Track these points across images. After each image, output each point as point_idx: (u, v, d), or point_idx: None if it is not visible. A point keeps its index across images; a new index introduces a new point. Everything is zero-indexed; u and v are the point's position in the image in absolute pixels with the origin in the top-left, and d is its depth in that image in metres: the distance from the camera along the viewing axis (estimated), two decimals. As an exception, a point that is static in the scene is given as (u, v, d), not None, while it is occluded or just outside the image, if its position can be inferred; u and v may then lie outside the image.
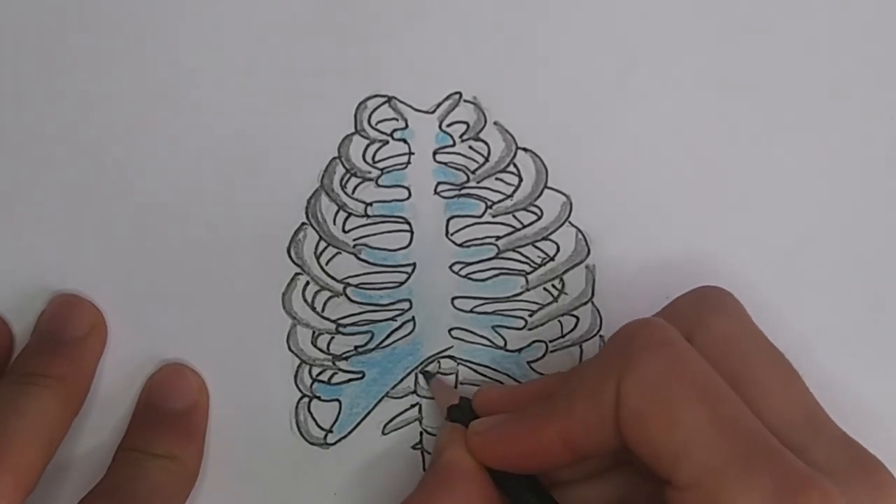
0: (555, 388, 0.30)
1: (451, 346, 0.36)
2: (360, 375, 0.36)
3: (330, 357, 0.36)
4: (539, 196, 0.36)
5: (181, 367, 0.35)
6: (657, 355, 0.28)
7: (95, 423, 0.35)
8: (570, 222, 0.36)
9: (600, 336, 0.36)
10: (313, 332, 0.36)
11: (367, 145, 0.36)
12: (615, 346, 0.29)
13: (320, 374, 0.36)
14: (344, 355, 0.36)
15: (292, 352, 0.36)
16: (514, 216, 0.36)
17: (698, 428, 0.26)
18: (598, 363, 0.29)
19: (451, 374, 0.36)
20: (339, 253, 0.36)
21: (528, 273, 0.36)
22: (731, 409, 0.27)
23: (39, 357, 0.33)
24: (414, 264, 0.36)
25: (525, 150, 0.36)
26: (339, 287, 0.36)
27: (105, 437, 0.35)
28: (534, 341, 0.36)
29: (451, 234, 0.36)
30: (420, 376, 0.35)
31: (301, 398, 0.35)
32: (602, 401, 0.28)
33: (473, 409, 0.33)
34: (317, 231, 0.36)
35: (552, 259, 0.36)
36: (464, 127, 0.36)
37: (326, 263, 0.36)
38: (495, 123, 0.36)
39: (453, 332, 0.36)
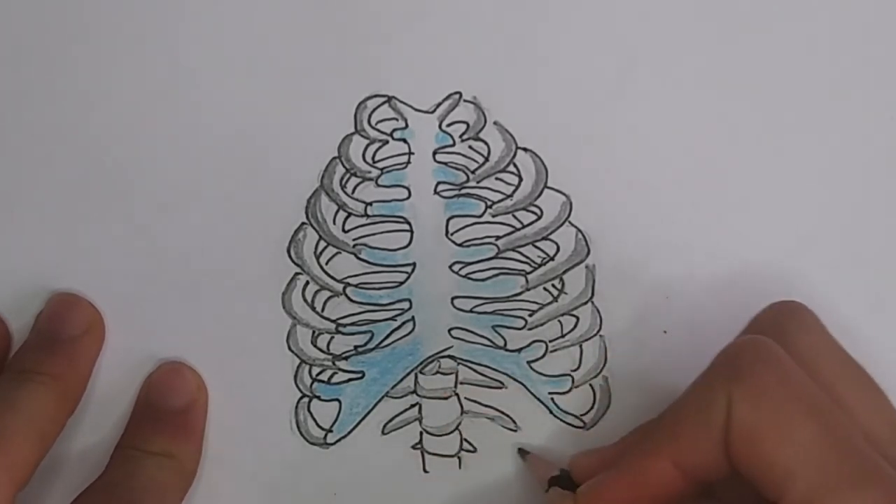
0: (647, 432, 0.30)
1: (451, 346, 0.36)
2: (359, 375, 0.36)
3: (330, 357, 0.36)
4: (539, 196, 0.36)
5: (180, 366, 0.35)
6: (767, 371, 0.28)
7: (95, 421, 0.35)
8: (569, 222, 0.36)
9: (600, 336, 0.36)
10: (313, 332, 0.36)
11: (367, 145, 0.36)
12: (724, 363, 0.29)
13: (320, 373, 0.36)
14: (344, 355, 0.36)
15: (292, 351, 0.35)
16: (514, 216, 0.36)
17: (811, 445, 0.26)
18: (706, 380, 0.29)
19: (450, 373, 0.36)
20: (339, 253, 0.36)
21: (528, 273, 0.36)
22: (841, 426, 0.27)
23: (36, 354, 0.33)
24: (414, 264, 0.36)
25: (525, 149, 0.36)
26: (339, 287, 0.36)
27: (104, 435, 0.35)
28: (534, 341, 0.36)
29: (451, 234, 0.36)
30: (518, 453, 0.35)
31: (301, 398, 0.35)
32: (712, 417, 0.28)
33: (571, 473, 0.33)
34: (317, 231, 0.36)
35: (552, 259, 0.36)
36: (464, 127, 0.36)
37: (326, 263, 0.36)
38: (495, 123, 0.36)
39: (453, 332, 0.36)
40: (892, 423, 0.29)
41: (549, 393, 0.36)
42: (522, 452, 0.35)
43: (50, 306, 0.35)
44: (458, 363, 0.36)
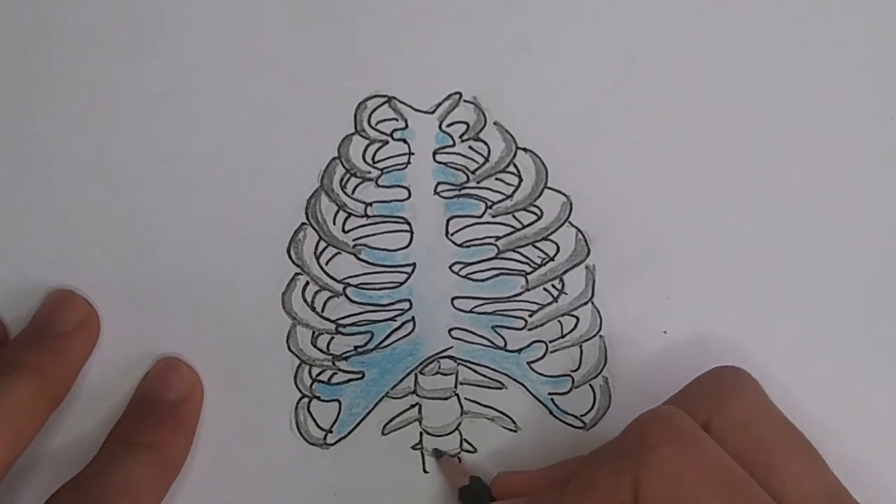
0: (571, 476, 0.30)
1: (451, 347, 0.36)
2: (359, 375, 0.36)
3: (330, 357, 0.36)
4: (539, 196, 0.36)
5: (176, 361, 0.35)
6: (674, 450, 0.28)
7: (92, 419, 0.35)
8: (569, 222, 0.36)
9: (600, 336, 0.36)
10: (313, 333, 0.36)
11: (367, 145, 0.36)
12: (630, 441, 0.29)
13: (320, 374, 0.36)
14: (344, 355, 0.36)
15: (292, 352, 0.35)
16: (514, 216, 0.36)
17: None
18: (613, 458, 0.29)
19: (450, 374, 0.36)
20: (339, 253, 0.36)
21: (528, 273, 0.36)
22: (751, 497, 0.27)
23: (22, 347, 0.33)
24: (414, 264, 0.36)
25: (525, 150, 0.36)
26: (339, 287, 0.36)
27: (102, 434, 0.35)
28: (534, 341, 0.36)
29: (451, 234, 0.36)
30: (433, 453, 0.35)
31: (301, 398, 0.35)
32: (621, 496, 0.28)
33: (490, 490, 0.33)
34: (317, 231, 0.36)
35: (552, 259, 0.36)
36: (464, 127, 0.36)
37: (326, 263, 0.36)
38: (495, 123, 0.36)
39: (453, 333, 0.36)
40: (828, 488, 0.29)
41: (549, 393, 0.36)
42: (437, 453, 0.35)
43: (45, 302, 0.35)
44: (458, 363, 0.36)
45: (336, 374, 0.36)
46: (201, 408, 0.35)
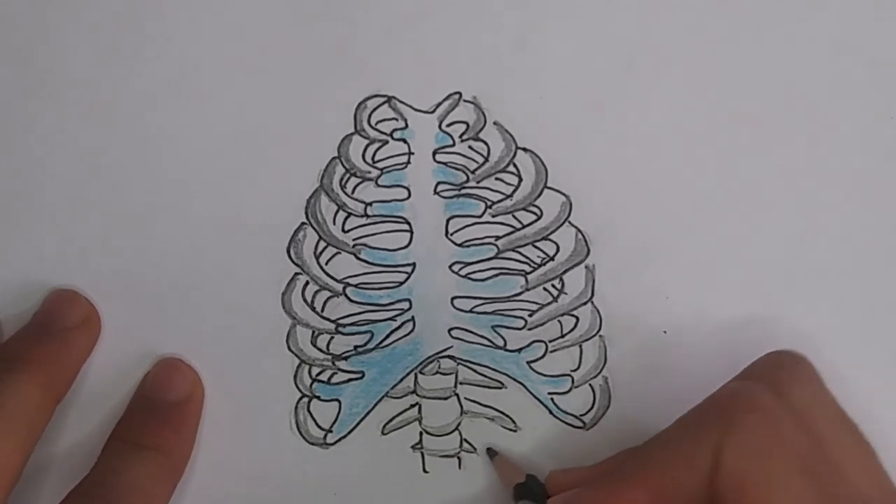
0: (629, 460, 0.30)
1: (451, 346, 0.36)
2: (359, 375, 0.36)
3: (329, 357, 0.36)
4: (539, 196, 0.36)
5: (177, 361, 0.35)
6: (760, 422, 0.27)
7: (93, 419, 0.35)
8: (569, 222, 0.36)
9: (600, 336, 0.36)
10: (313, 332, 0.36)
11: (367, 145, 0.36)
12: (711, 409, 0.29)
13: (320, 373, 0.36)
14: (343, 355, 0.36)
15: (292, 352, 0.35)
16: (514, 216, 0.36)
17: (800, 501, 0.26)
18: (696, 422, 0.29)
19: (450, 373, 0.36)
20: (339, 253, 0.36)
21: (528, 273, 0.36)
22: (831, 483, 0.27)
23: (23, 343, 0.33)
24: (413, 264, 0.36)
25: (525, 149, 0.36)
26: (339, 287, 0.36)
27: (104, 433, 0.35)
28: (533, 341, 0.36)
29: (451, 234, 0.36)
30: (486, 453, 0.35)
31: (301, 398, 0.35)
32: (699, 461, 0.27)
33: (546, 486, 0.33)
34: (316, 231, 0.36)
35: (552, 259, 0.36)
36: (463, 127, 0.36)
37: (326, 263, 0.36)
38: (495, 123, 0.36)
39: (453, 332, 0.36)
40: (880, 483, 0.29)
41: (549, 393, 0.36)
42: (491, 452, 0.35)
43: (46, 300, 0.35)
44: (458, 363, 0.36)
45: (336, 373, 0.36)
46: (202, 408, 0.35)
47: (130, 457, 0.33)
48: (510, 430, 0.36)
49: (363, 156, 0.36)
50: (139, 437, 0.33)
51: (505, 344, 0.36)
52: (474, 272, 0.36)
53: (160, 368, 0.35)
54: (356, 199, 0.36)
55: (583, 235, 0.36)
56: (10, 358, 0.32)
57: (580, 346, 0.36)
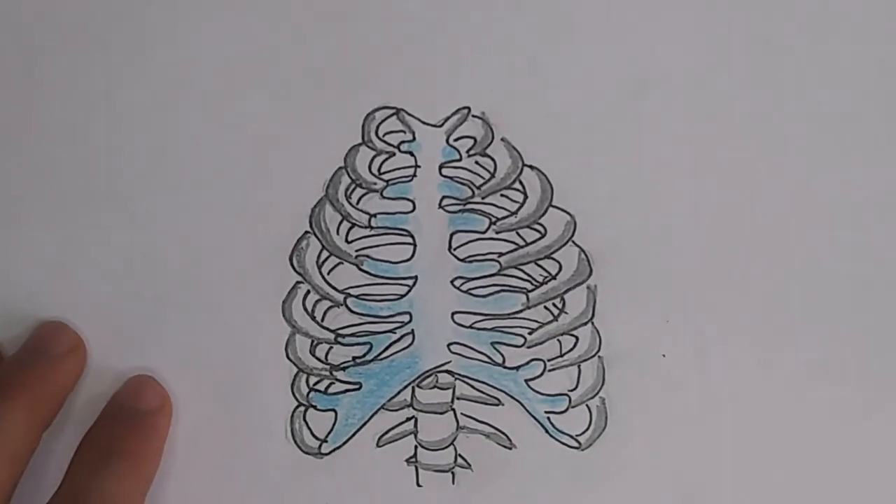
0: None
1: (450, 361, 0.36)
2: (357, 386, 0.36)
3: (328, 367, 0.36)
4: (543, 214, 0.36)
5: (147, 377, 0.35)
6: None
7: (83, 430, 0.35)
8: (573, 242, 0.36)
9: (599, 357, 0.36)
10: (312, 342, 0.36)
11: (374, 156, 0.36)
12: None
13: (317, 383, 0.36)
14: (342, 366, 0.36)
15: (290, 360, 0.35)
16: (518, 233, 0.36)
17: None
18: None
19: (448, 388, 0.36)
20: (341, 263, 0.36)
21: (529, 291, 0.36)
22: None
23: (11, 369, 0.33)
24: (415, 277, 0.36)
25: (531, 167, 0.36)
26: (340, 297, 0.36)
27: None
28: (532, 359, 0.36)
29: (454, 249, 0.36)
30: (417, 389, 0.35)
31: (297, 407, 0.35)
32: None
33: None
34: (320, 240, 0.36)
35: (554, 278, 0.36)
36: (471, 142, 0.36)
37: (328, 273, 0.36)
38: (502, 140, 0.36)
39: (452, 347, 0.36)
40: None
41: (546, 412, 0.36)
42: None
43: (35, 331, 0.35)
44: (456, 378, 0.36)
45: (333, 383, 0.36)
46: (170, 424, 0.35)
47: (101, 467, 0.32)
48: (505, 447, 0.36)
49: (369, 167, 0.36)
50: (109, 443, 0.33)
51: (504, 361, 0.36)
52: (476, 288, 0.36)
53: (132, 382, 0.35)
54: (361, 210, 0.36)
55: (586, 255, 0.36)
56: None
57: (579, 367, 0.36)
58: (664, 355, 0.36)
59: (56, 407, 0.34)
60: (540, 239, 0.36)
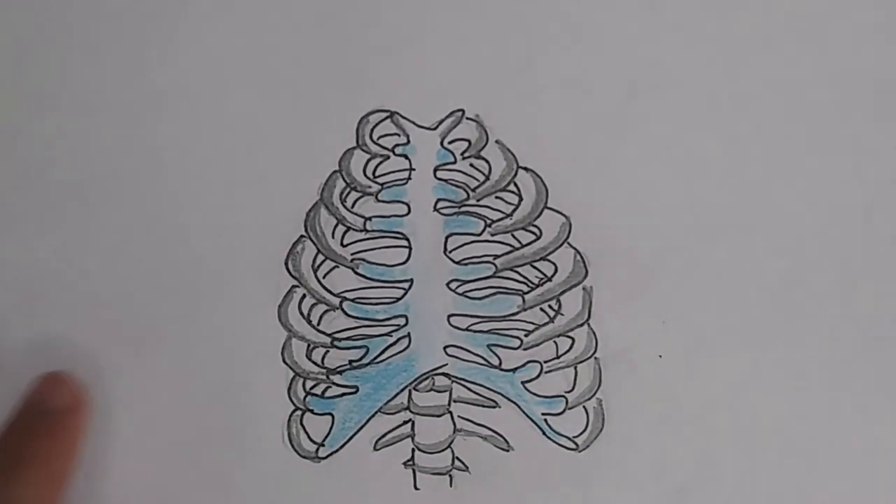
0: None
1: (446, 364, 0.36)
2: (353, 390, 0.36)
3: (324, 371, 0.36)
4: (538, 216, 0.36)
5: (61, 374, 0.35)
6: None
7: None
8: (568, 243, 0.36)
9: (595, 358, 0.36)
10: (308, 345, 0.36)
11: (368, 160, 0.36)
12: None
13: (314, 387, 0.36)
14: (338, 369, 0.36)
15: (287, 364, 0.35)
16: (513, 235, 0.36)
17: None
18: None
19: (444, 391, 0.36)
20: (337, 267, 0.36)
21: (525, 293, 0.36)
22: None
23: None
24: (411, 280, 0.36)
25: (526, 169, 0.36)
26: (336, 301, 0.36)
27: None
28: (528, 361, 0.36)
29: (450, 252, 0.36)
30: (414, 392, 0.35)
31: (294, 411, 0.35)
32: None
33: None
34: (315, 244, 0.36)
35: (549, 279, 0.36)
36: (465, 144, 0.36)
37: (324, 277, 0.36)
38: (497, 142, 0.36)
39: (448, 350, 0.36)
40: None
41: (543, 414, 0.36)
42: None
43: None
44: (453, 381, 0.36)
45: (330, 387, 0.36)
46: (86, 423, 0.34)
47: (10, 477, 0.32)
48: (503, 449, 0.36)
49: (364, 170, 0.36)
50: (17, 449, 0.33)
51: (500, 363, 0.36)
52: (471, 290, 0.36)
53: (40, 381, 0.34)
54: (356, 214, 0.36)
55: (581, 257, 0.36)
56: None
57: (575, 368, 0.36)
58: (660, 356, 0.36)
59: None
60: (535, 241, 0.36)
